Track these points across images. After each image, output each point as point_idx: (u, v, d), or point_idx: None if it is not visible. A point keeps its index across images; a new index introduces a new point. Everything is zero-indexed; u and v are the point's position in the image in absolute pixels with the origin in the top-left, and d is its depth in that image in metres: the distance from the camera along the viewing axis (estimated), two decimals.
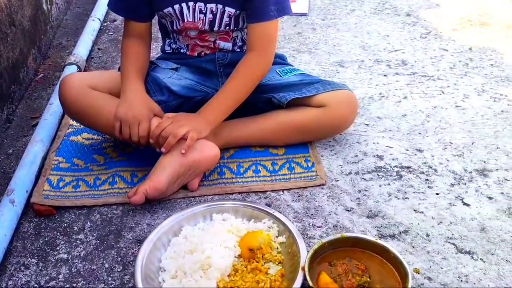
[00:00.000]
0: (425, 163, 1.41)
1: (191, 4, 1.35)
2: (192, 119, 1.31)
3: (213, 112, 1.33)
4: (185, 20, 1.38)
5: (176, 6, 1.36)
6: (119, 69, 1.44)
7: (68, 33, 2.26)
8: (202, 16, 1.37)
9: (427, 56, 2.01)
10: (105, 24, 2.35)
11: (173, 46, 1.49)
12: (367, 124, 1.58)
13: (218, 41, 1.44)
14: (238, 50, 1.48)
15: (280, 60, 1.56)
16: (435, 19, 2.33)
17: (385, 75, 1.87)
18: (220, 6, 1.35)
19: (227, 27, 1.39)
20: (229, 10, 1.36)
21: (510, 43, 2.09)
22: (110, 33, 2.26)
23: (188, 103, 1.45)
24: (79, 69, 1.85)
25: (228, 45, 1.46)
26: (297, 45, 2.11)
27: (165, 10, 1.38)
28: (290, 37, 2.19)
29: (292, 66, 1.56)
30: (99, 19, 2.23)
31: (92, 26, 2.16)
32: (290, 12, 1.38)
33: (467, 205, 1.26)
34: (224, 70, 1.47)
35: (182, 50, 1.48)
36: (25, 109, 1.72)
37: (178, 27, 1.40)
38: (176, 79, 1.47)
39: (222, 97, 1.35)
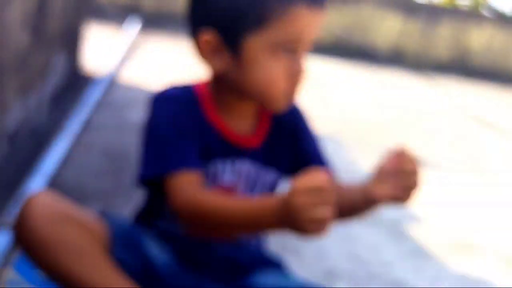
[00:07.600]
0: None
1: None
2: None
3: None
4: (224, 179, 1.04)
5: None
6: None
7: None
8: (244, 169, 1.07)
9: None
10: None
11: (163, 224, 1.14)
12: None
13: None
14: (246, 242, 1.11)
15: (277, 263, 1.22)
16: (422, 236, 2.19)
17: None
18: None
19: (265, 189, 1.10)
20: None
21: None
22: None
23: (148, 281, 1.02)
24: None
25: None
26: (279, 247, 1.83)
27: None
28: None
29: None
30: None
31: None
32: None
33: None
34: (209, 262, 1.08)
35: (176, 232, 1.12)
36: None
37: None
38: (152, 242, 1.06)
39: None
